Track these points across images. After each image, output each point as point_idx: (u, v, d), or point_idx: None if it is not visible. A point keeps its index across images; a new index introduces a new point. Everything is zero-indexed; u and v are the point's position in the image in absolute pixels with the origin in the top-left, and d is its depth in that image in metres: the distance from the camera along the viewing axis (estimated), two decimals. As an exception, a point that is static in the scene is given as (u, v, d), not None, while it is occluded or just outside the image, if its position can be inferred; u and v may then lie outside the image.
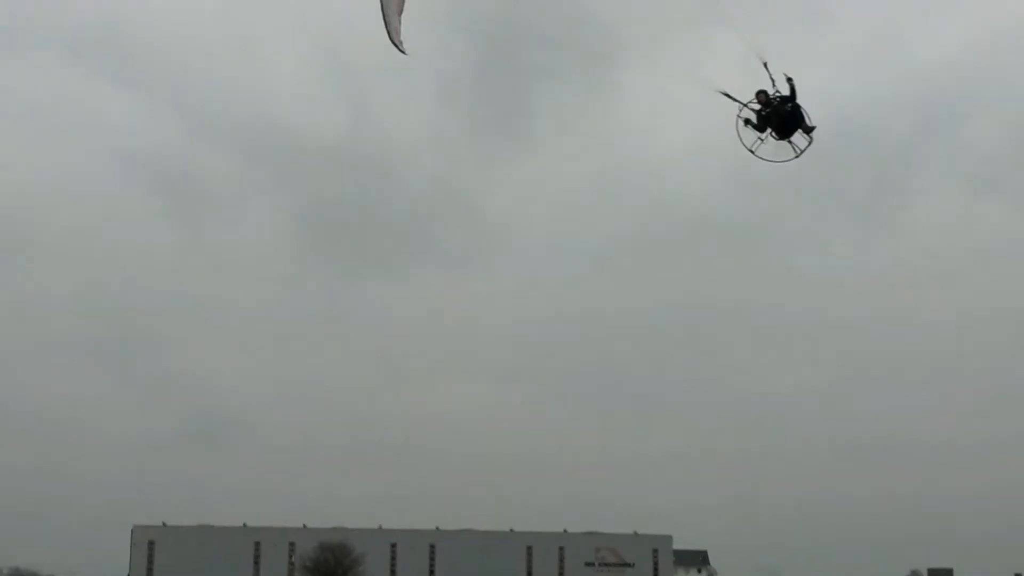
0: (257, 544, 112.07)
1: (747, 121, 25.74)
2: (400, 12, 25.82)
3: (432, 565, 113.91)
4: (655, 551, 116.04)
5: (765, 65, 25.57)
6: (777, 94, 25.47)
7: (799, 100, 25.40)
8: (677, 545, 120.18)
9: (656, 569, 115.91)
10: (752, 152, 25.76)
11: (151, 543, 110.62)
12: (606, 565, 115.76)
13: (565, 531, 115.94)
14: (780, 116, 25.44)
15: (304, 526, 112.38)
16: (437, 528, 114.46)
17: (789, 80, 25.24)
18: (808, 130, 25.37)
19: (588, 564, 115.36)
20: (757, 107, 25.72)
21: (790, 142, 25.63)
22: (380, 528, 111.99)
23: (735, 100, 25.83)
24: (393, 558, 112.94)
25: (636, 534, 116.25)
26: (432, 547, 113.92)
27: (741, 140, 25.82)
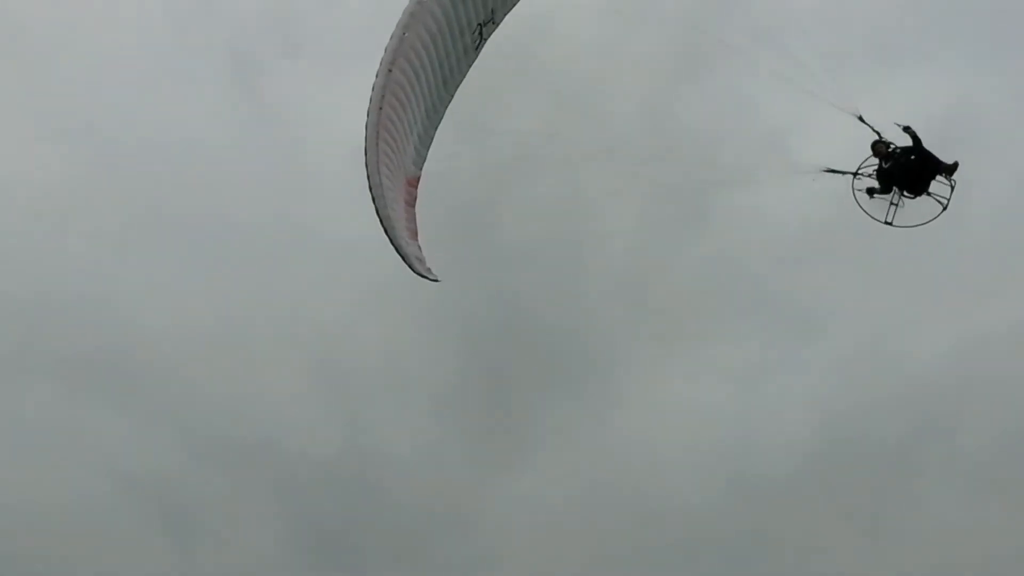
0: None
1: (870, 191, 20.49)
2: (415, 236, 20.61)
3: None
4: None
5: (861, 119, 20.43)
6: (895, 147, 20.27)
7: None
8: None
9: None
10: (891, 224, 20.48)
11: None
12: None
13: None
14: (907, 169, 20.18)
15: None
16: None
17: (906, 129, 20.04)
18: (950, 170, 20.10)
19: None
20: (874, 166, 20.52)
21: (930, 194, 20.35)
22: None
23: (843, 172, 20.64)
24: None
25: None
26: None
27: (870, 215, 20.56)
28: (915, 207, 20.44)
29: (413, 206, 21.84)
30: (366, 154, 19.47)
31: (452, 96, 23.23)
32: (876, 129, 20.39)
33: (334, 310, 37.62)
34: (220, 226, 36.74)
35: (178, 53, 37.43)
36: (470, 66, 23.42)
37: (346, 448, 41.19)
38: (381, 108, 19.93)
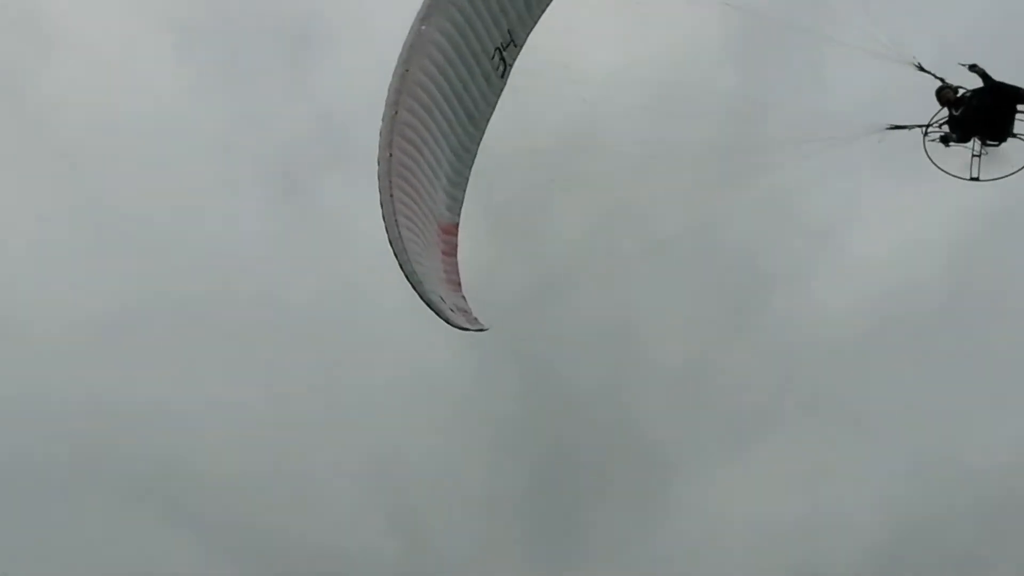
0: None
1: (945, 139, 18.12)
2: (459, 287, 18.73)
3: None
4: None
5: (920, 67, 18.15)
6: (964, 91, 17.93)
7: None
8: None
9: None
10: (977, 179, 18.08)
11: None
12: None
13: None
14: (982, 111, 17.80)
15: None
16: None
17: (972, 68, 17.68)
18: None
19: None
20: (945, 118, 18.20)
21: (1016, 136, 17.92)
22: None
23: (911, 127, 18.35)
24: None
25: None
26: None
27: (949, 173, 18.23)
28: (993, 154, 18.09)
29: (454, 255, 19.97)
30: (381, 207, 17.70)
31: (483, 131, 21.38)
32: (938, 76, 18.13)
33: (387, 415, 37.53)
34: (272, 335, 36.86)
35: (227, 166, 37.70)
36: (498, 96, 21.58)
37: (402, 558, 40.72)
38: (391, 155, 18.14)
